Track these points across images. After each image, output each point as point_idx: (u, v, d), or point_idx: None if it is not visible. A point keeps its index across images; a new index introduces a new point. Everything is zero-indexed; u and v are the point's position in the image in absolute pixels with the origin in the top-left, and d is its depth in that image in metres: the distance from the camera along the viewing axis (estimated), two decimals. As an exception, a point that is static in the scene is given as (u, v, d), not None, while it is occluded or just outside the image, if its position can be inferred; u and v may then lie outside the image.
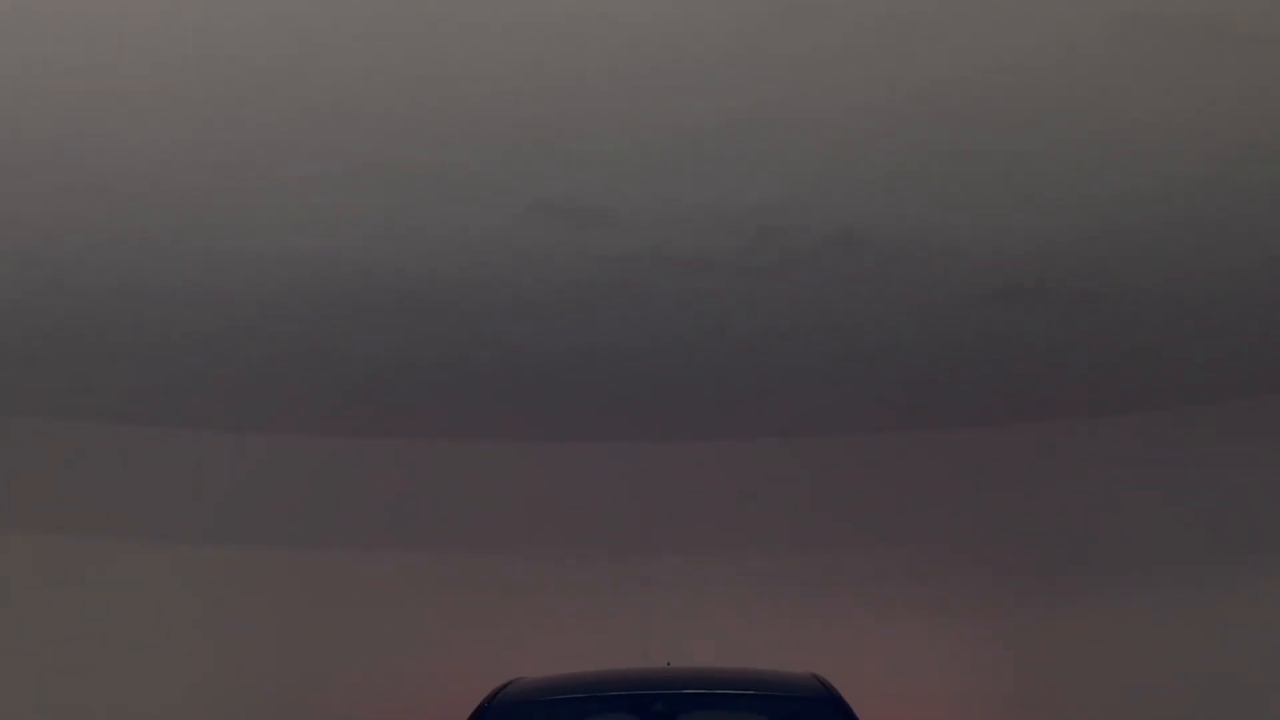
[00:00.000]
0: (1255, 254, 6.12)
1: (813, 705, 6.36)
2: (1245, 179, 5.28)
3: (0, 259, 5.92)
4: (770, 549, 9.57)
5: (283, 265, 6.04)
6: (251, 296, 6.51)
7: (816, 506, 9.55)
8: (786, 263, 6.02)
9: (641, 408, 8.78)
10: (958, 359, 7.68)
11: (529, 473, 9.63)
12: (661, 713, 6.53)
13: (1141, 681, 8.70)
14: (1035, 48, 4.30)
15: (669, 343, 7.37)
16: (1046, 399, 8.70)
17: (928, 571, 9.35)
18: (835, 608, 9.39)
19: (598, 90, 4.52)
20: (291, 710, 8.95)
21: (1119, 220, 5.68)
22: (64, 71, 4.32)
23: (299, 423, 8.94)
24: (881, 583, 9.41)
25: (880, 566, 9.42)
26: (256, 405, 8.53)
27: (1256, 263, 6.20)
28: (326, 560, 9.22)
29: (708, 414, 9.00)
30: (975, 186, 5.29)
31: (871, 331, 7.16)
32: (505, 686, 6.67)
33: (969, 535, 9.34)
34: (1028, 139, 4.90)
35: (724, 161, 5.05)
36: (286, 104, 4.54)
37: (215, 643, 8.90)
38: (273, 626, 9.05)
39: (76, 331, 6.98)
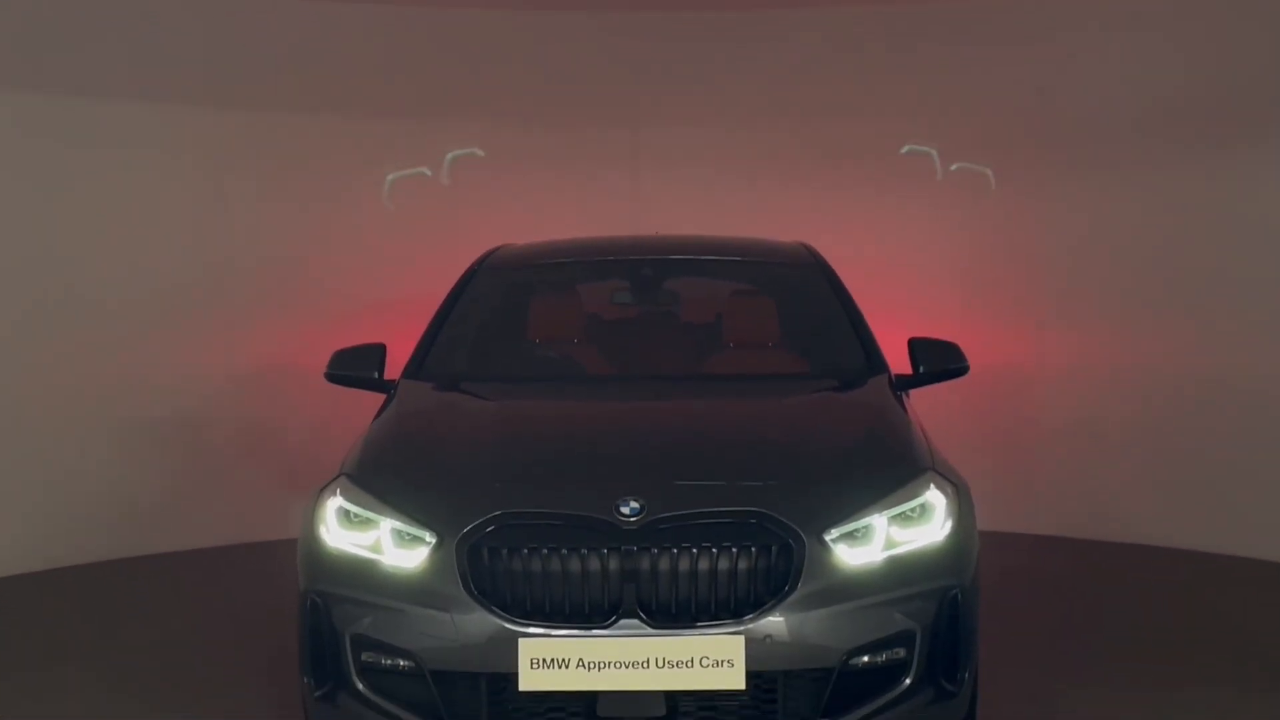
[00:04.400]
0: None
1: (800, 271, 6.39)
2: None
3: None
4: (761, 120, 9.45)
5: None
6: None
7: (810, 77, 9.36)
8: None
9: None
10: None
11: (515, 41, 9.40)
12: (650, 277, 6.57)
13: (1138, 252, 8.74)
14: None
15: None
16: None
17: (918, 142, 9.25)
18: (826, 180, 9.35)
19: None
20: (280, 271, 9.02)
21: None
22: None
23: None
24: (872, 155, 9.34)
25: (872, 139, 9.33)
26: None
27: None
28: (313, 126, 9.09)
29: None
30: None
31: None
32: (492, 253, 6.67)
33: (964, 108, 9.20)
34: None
35: None
36: None
37: (205, 206, 8.88)
38: (259, 190, 9.01)
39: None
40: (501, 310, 6.34)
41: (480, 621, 4.37)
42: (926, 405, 5.87)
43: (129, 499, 8.55)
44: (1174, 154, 8.58)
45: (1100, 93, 8.81)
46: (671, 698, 4.38)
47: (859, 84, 9.29)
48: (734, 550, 4.40)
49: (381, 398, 5.68)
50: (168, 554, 8.57)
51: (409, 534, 4.55)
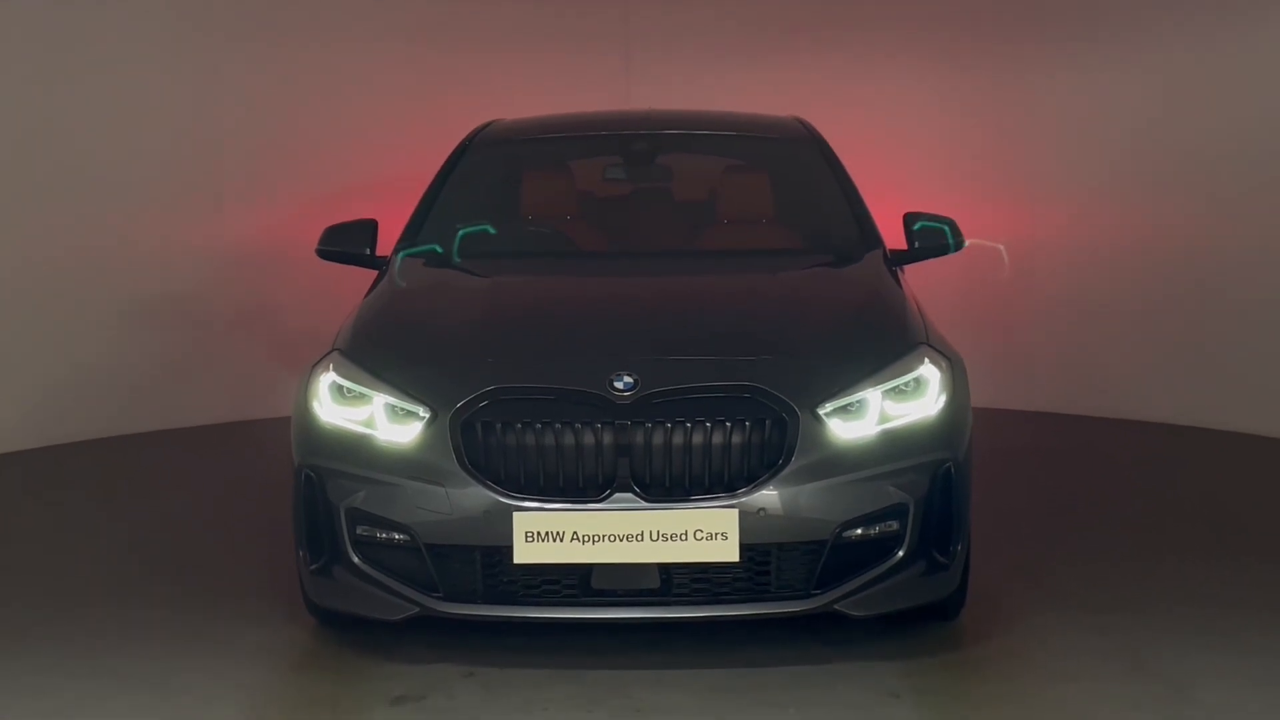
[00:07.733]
0: None
1: (795, 146, 6.32)
2: None
3: None
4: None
5: None
6: None
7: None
8: None
9: None
10: None
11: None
12: (643, 152, 6.50)
13: (1135, 128, 8.65)
14: None
15: None
16: None
17: (914, 18, 9.14)
18: (820, 55, 9.23)
19: None
20: (272, 150, 8.95)
21: None
22: None
23: None
24: (867, 29, 9.21)
25: (866, 12, 9.19)
26: None
27: None
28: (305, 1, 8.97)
29: None
30: None
31: None
32: (483, 128, 6.59)
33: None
34: None
35: None
36: None
37: (199, 82, 8.78)
38: (249, 66, 8.90)
39: None
40: (493, 186, 6.28)
41: (475, 495, 4.38)
42: (921, 281, 5.85)
43: (123, 377, 8.54)
44: (1174, 28, 8.46)
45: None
46: (665, 570, 4.41)
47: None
48: (727, 424, 4.40)
49: (374, 274, 5.65)
50: (162, 431, 8.60)
51: (402, 409, 4.55)
